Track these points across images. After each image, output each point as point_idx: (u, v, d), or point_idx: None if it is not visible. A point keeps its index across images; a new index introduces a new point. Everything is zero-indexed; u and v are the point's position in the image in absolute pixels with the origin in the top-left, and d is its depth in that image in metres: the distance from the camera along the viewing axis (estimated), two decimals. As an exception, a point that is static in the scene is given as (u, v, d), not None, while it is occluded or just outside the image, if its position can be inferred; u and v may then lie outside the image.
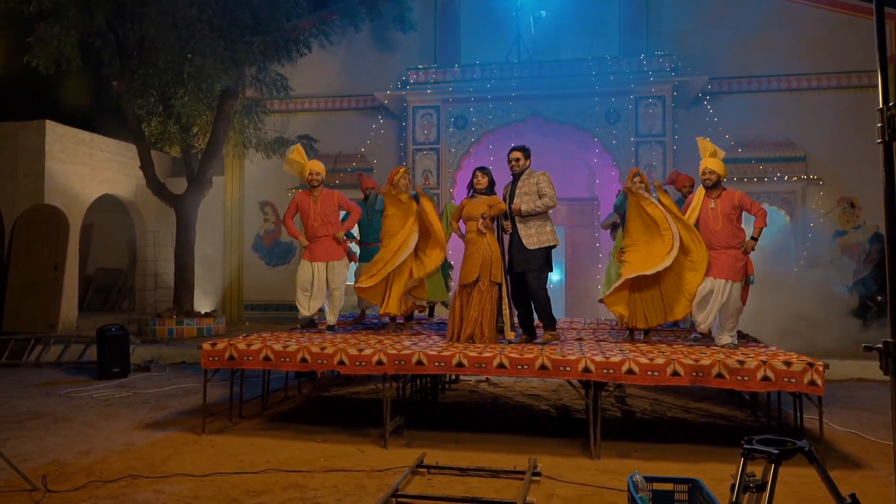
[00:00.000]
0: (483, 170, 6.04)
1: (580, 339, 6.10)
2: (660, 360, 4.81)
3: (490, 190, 6.00)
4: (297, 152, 6.65)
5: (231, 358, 5.47)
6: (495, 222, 5.94)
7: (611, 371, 4.82)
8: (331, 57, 13.01)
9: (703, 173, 5.62)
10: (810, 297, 9.54)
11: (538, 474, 4.35)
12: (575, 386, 5.24)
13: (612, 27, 12.83)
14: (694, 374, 4.76)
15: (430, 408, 6.58)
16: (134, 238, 14.45)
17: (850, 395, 7.21)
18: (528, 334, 5.84)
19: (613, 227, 7.35)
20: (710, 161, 5.60)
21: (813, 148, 11.92)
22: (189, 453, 4.94)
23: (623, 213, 6.34)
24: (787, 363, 4.67)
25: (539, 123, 11.77)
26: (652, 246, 5.62)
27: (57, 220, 10.95)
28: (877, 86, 2.02)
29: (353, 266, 7.27)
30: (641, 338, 5.97)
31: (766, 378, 4.68)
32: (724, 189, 5.62)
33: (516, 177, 5.87)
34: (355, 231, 7.31)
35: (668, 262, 5.44)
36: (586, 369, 4.85)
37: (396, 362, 5.13)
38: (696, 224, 5.62)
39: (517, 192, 5.79)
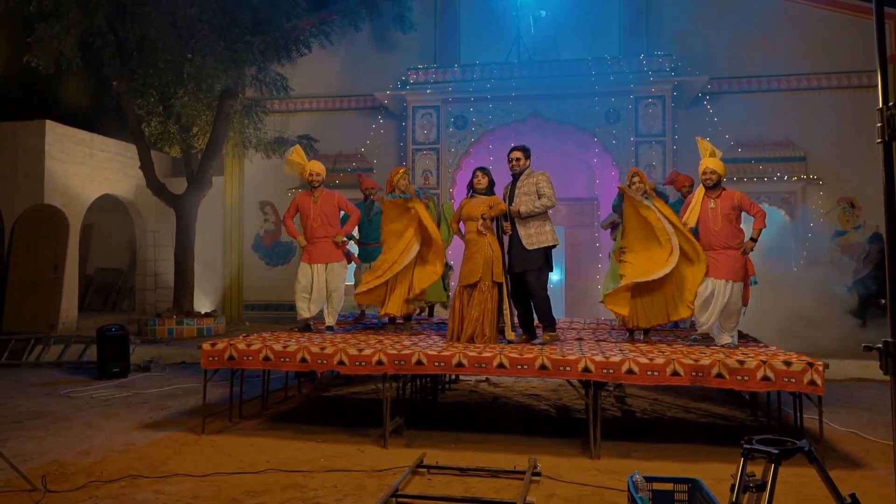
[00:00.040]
0: (483, 170, 6.03)
1: (580, 339, 6.10)
2: (660, 360, 4.81)
3: (490, 190, 6.00)
4: (296, 153, 6.65)
5: (231, 358, 5.47)
6: (495, 223, 5.93)
7: (611, 371, 4.82)
8: (331, 57, 13.01)
9: (704, 173, 5.62)
10: (810, 296, 9.54)
11: (538, 474, 4.35)
12: (575, 386, 5.24)
13: (612, 27, 12.83)
14: (694, 373, 4.76)
15: (430, 408, 6.58)
16: (134, 238, 14.46)
17: (850, 394, 7.21)
18: (528, 334, 5.83)
19: (613, 227, 7.35)
20: (711, 161, 5.61)
21: (813, 148, 11.92)
22: (189, 453, 4.94)
23: (622, 212, 6.35)
24: (787, 363, 4.67)
25: (539, 123, 11.77)
26: (651, 252, 5.65)
27: (57, 220, 10.95)
28: (877, 86, 2.02)
29: (353, 266, 7.28)
30: (641, 338, 5.98)
31: (765, 378, 4.68)
32: (724, 189, 5.63)
33: (516, 177, 5.87)
34: (354, 231, 7.31)
35: (668, 269, 5.47)
36: (586, 369, 4.85)
37: (396, 362, 5.13)
38: (696, 224, 5.63)
39: (516, 191, 5.78)
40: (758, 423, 5.94)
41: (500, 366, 5.02)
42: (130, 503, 3.92)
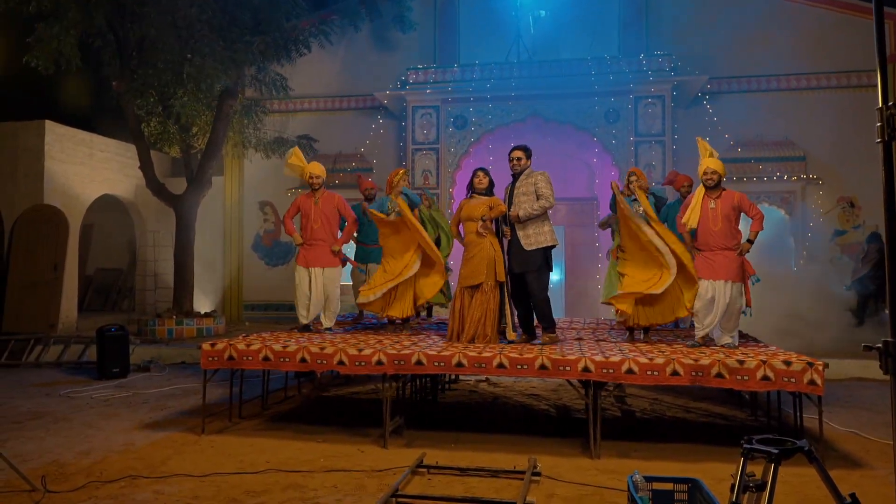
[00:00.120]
0: (484, 170, 6.03)
1: (580, 339, 6.10)
2: (659, 360, 4.81)
3: (490, 191, 5.99)
4: (295, 156, 6.66)
5: (231, 358, 5.48)
6: (495, 223, 5.92)
7: (610, 371, 4.82)
8: (330, 57, 13.00)
9: (705, 173, 5.61)
10: (809, 296, 9.56)
11: (538, 474, 4.35)
12: (575, 386, 5.24)
13: (612, 27, 12.83)
14: (693, 373, 4.76)
15: (429, 408, 6.58)
16: (134, 238, 14.45)
17: (849, 394, 7.21)
18: (528, 334, 5.83)
19: (612, 227, 7.35)
20: (712, 161, 5.61)
21: (812, 147, 11.92)
22: (189, 453, 4.94)
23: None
24: (787, 363, 4.67)
25: (539, 123, 11.76)
26: (647, 265, 5.79)
27: (57, 220, 10.95)
28: (876, 85, 2.02)
29: (349, 265, 7.28)
30: (641, 337, 5.98)
31: (765, 377, 4.68)
32: (724, 189, 5.63)
33: (516, 177, 5.86)
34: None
35: (668, 284, 5.59)
36: (586, 369, 4.85)
37: (396, 362, 5.13)
38: (696, 224, 5.64)
39: (516, 192, 5.77)
40: (758, 422, 5.94)
41: (500, 366, 5.02)
42: (130, 503, 3.92)
